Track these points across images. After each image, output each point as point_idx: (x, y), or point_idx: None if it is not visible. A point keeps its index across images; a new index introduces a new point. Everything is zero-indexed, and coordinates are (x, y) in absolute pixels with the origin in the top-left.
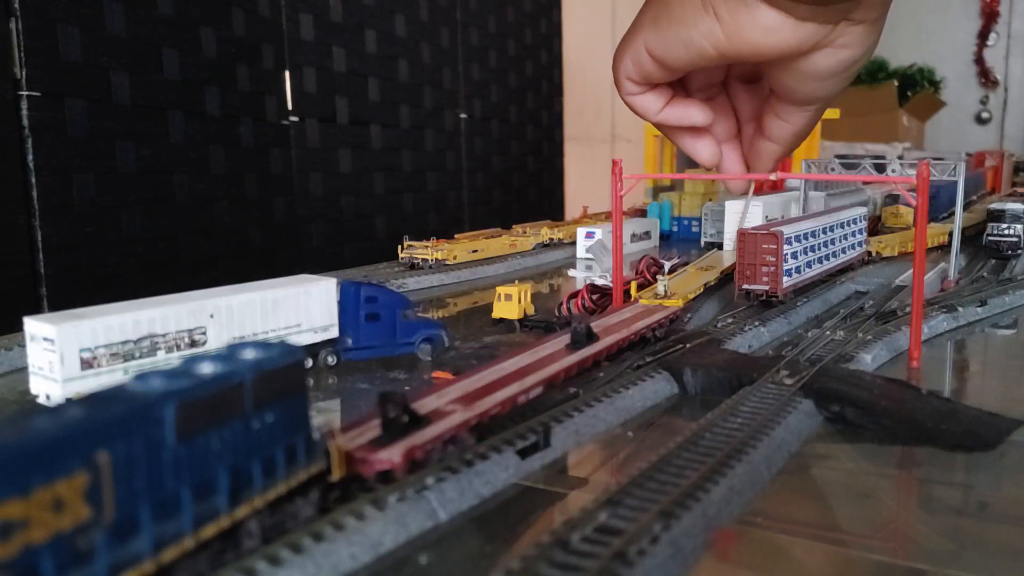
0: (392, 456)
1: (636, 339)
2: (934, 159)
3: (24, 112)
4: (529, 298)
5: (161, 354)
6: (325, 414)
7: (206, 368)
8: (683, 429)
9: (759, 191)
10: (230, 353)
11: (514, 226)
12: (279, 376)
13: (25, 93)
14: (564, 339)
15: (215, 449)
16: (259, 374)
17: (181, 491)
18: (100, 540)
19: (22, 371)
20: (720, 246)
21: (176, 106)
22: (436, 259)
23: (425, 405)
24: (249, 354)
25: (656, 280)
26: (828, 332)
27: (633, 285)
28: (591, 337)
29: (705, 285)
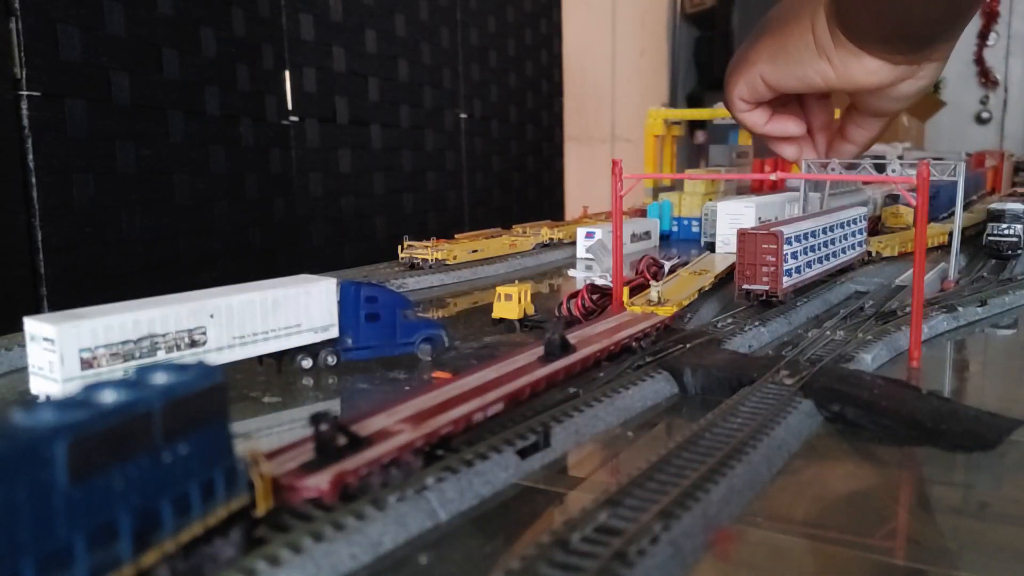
0: (319, 483)
1: (617, 350)
2: (934, 159)
3: (24, 112)
4: (529, 298)
5: (161, 354)
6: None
7: (108, 396)
8: (683, 429)
9: (758, 191)
10: (138, 378)
11: (514, 226)
12: (195, 402)
13: (25, 93)
14: (538, 350)
15: (117, 489)
16: (171, 401)
17: (75, 539)
18: None
19: (22, 371)
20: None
21: (176, 106)
22: (436, 259)
23: (372, 425)
24: (160, 379)
25: (655, 281)
26: (828, 332)
27: (625, 291)
28: (566, 348)
29: (700, 291)
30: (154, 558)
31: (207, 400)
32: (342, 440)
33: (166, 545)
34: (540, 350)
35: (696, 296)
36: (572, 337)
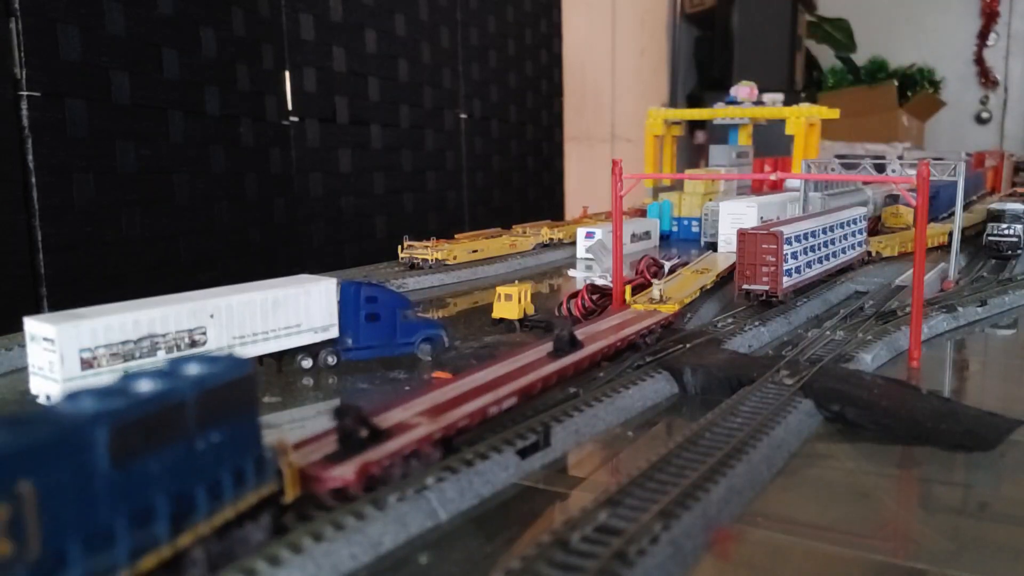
0: (345, 473)
1: (624, 346)
2: (934, 159)
3: (24, 112)
4: (529, 298)
5: (161, 354)
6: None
7: (144, 386)
8: (683, 429)
9: (758, 191)
10: (172, 368)
11: (514, 226)
12: (226, 392)
13: (25, 93)
14: (547, 346)
15: (154, 474)
16: (203, 391)
17: (116, 521)
18: None
19: (22, 371)
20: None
21: (176, 106)
22: (436, 259)
23: (390, 418)
24: (192, 369)
25: (656, 280)
26: (828, 332)
27: (628, 290)
28: (574, 344)
29: (701, 289)
30: (190, 540)
31: (237, 390)
32: (364, 432)
33: (200, 528)
34: (549, 347)
35: (698, 294)
36: (579, 334)
